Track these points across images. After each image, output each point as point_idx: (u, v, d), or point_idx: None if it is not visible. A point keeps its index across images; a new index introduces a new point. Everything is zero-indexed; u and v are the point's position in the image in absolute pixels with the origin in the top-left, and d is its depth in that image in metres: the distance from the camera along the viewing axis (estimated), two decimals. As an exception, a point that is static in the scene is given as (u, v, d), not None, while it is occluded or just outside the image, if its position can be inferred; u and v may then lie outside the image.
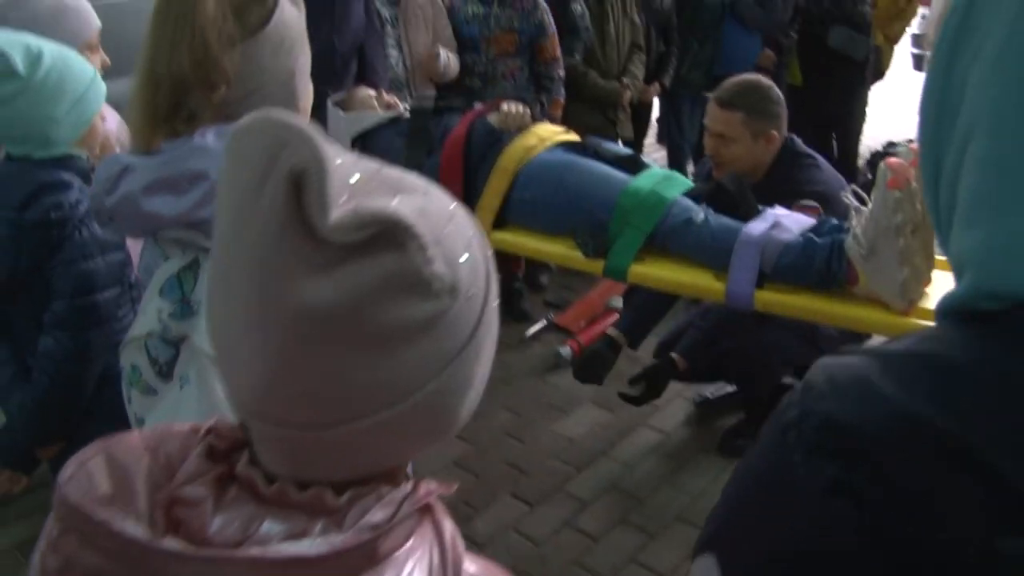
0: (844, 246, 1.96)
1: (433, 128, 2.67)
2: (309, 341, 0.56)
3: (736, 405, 3.17)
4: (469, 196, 2.48)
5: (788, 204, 2.38)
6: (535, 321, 3.88)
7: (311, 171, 0.54)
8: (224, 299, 0.60)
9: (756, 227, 2.11)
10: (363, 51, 3.06)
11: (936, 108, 0.54)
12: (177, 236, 1.26)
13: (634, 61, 4.25)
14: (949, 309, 0.51)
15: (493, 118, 2.58)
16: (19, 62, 1.59)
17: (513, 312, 3.90)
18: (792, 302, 2.04)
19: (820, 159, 2.74)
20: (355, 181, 0.57)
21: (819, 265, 2.00)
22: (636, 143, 4.71)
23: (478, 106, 2.72)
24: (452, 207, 0.64)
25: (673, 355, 2.88)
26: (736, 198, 2.26)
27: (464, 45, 3.59)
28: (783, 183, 2.53)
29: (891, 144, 5.60)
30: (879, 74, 5.53)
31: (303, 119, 0.57)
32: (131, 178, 1.21)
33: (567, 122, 3.86)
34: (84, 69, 1.70)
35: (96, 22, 2.12)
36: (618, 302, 3.88)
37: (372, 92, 2.87)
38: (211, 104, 1.24)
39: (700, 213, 2.18)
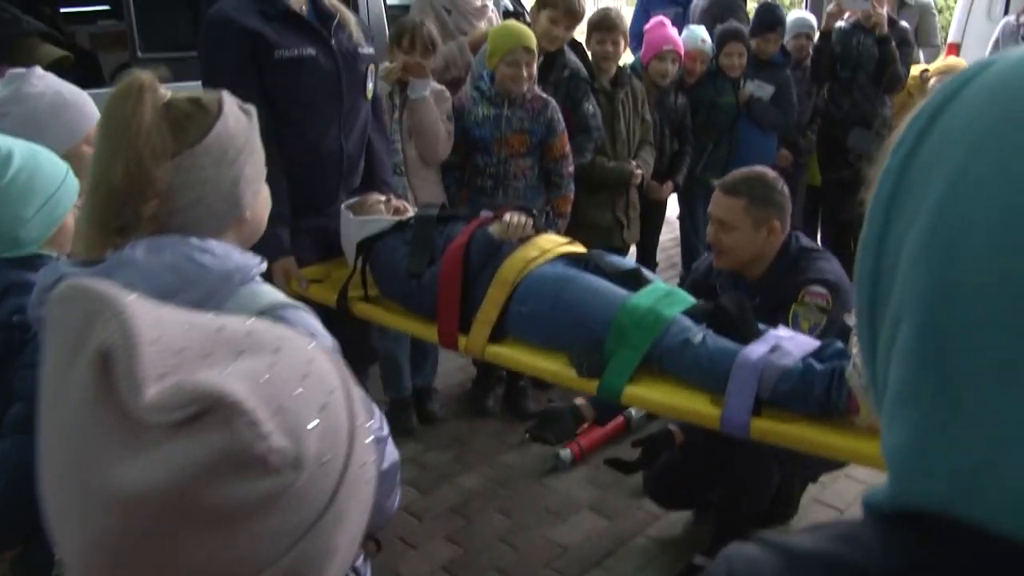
0: (845, 375, 1.91)
1: (436, 237, 2.70)
2: (133, 530, 0.53)
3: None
4: (467, 307, 2.50)
5: (793, 296, 2.34)
6: (538, 420, 3.82)
7: (118, 349, 0.52)
8: (47, 474, 0.58)
9: (755, 350, 2.07)
10: (370, 144, 3.11)
11: (870, 278, 0.51)
12: None
13: (645, 149, 4.27)
14: (872, 504, 0.48)
15: (494, 228, 2.60)
16: None
17: (516, 411, 3.85)
18: (789, 432, 1.99)
19: (828, 252, 2.72)
20: (185, 348, 0.55)
21: (819, 393, 1.95)
22: (649, 243, 4.71)
23: (482, 214, 2.75)
24: (308, 362, 0.61)
25: (671, 427, 2.81)
26: (736, 319, 2.23)
27: (475, 147, 3.64)
28: (787, 276, 2.50)
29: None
30: None
31: (115, 291, 0.55)
32: None
33: (576, 218, 3.89)
34: (55, 169, 1.73)
35: (96, 114, 2.17)
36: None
37: (382, 198, 2.93)
38: (143, 216, 1.26)
39: (699, 334, 2.16)
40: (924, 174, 0.48)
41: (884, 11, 4.74)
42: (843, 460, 2.21)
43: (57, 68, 2.60)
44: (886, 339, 0.49)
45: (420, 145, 3.49)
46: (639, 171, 4.16)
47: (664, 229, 5.08)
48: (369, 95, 2.99)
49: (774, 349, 2.05)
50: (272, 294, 1.32)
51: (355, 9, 4.54)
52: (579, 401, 2.77)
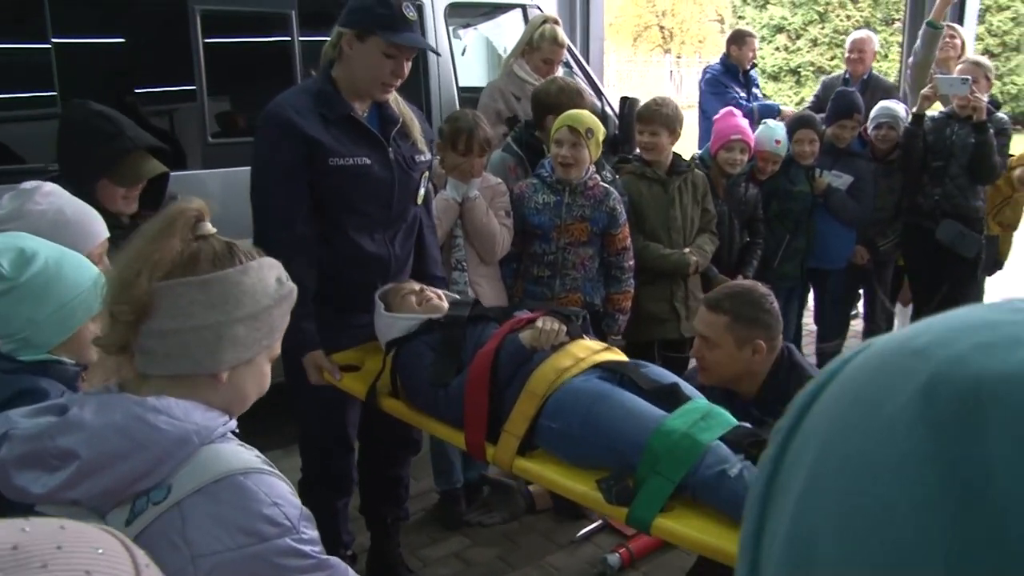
0: None
1: (465, 341, 2.62)
2: None
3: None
4: (495, 418, 2.40)
5: None
6: (590, 520, 3.67)
7: None
8: None
9: None
10: (421, 239, 3.06)
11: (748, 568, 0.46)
12: (55, 514, 1.21)
13: (703, 236, 4.14)
14: None
15: (525, 336, 2.50)
16: (6, 263, 1.66)
17: (567, 510, 3.71)
18: None
19: (817, 372, 2.53)
20: None
21: None
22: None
23: (516, 315, 2.66)
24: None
25: None
26: None
27: (533, 234, 3.59)
28: (781, 400, 2.34)
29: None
30: (997, 264, 5.24)
31: None
32: (8, 446, 1.19)
33: (632, 307, 3.76)
34: (79, 277, 1.74)
35: (102, 233, 2.19)
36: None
37: (416, 287, 2.86)
38: (116, 317, 1.24)
39: (736, 465, 2.01)
40: (791, 470, 0.44)
41: (985, 97, 4.53)
42: None
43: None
44: None
45: (476, 244, 3.46)
46: (695, 259, 4.02)
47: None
48: (420, 200, 2.92)
49: None
50: (236, 457, 1.26)
51: (427, 92, 4.60)
52: (535, 487, 2.65)
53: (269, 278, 1.35)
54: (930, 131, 4.66)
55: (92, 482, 1.17)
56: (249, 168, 2.69)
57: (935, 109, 4.80)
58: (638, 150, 4.10)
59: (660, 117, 3.95)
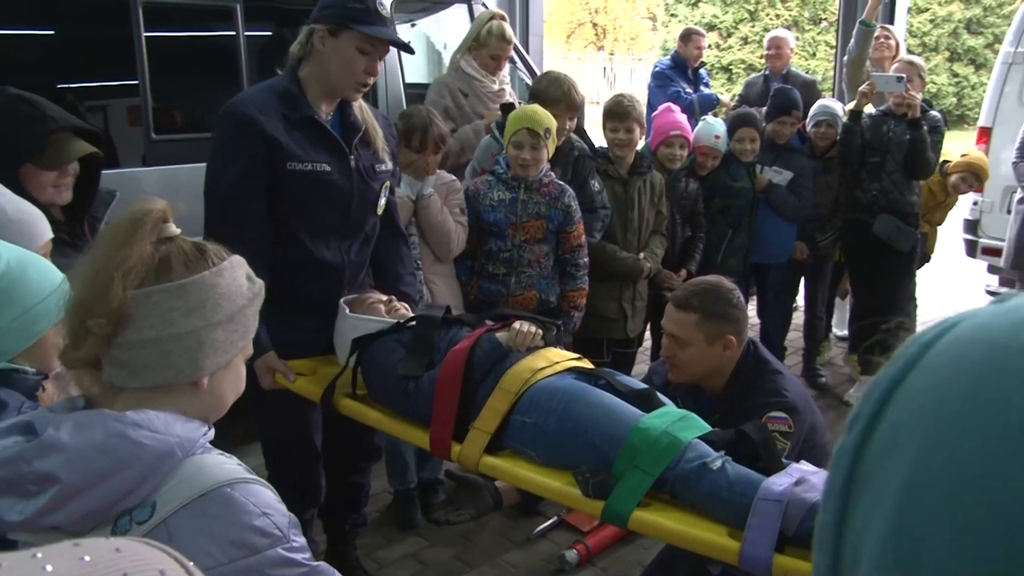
0: None
1: (438, 340, 2.59)
2: None
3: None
4: (464, 415, 2.37)
5: (756, 418, 2.25)
6: (546, 518, 3.68)
7: None
8: None
9: (779, 482, 1.93)
10: (390, 251, 3.00)
11: None
12: (31, 540, 1.15)
13: (655, 239, 4.20)
14: None
15: (502, 336, 2.49)
16: None
17: (525, 507, 3.71)
18: None
19: (782, 366, 2.63)
20: None
21: None
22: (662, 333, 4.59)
23: (488, 323, 2.64)
24: None
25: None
26: (759, 448, 2.10)
27: (488, 231, 3.57)
28: (747, 395, 2.40)
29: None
30: (925, 258, 5.42)
31: None
32: None
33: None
34: (44, 282, 1.66)
35: (45, 233, 2.07)
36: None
37: (383, 298, 2.81)
38: (91, 331, 1.18)
39: (717, 460, 2.02)
40: (881, 461, 0.42)
41: (918, 96, 4.66)
42: None
43: (89, 160, 2.56)
44: None
45: (431, 242, 3.43)
46: (649, 265, 4.09)
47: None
48: (380, 211, 2.84)
49: (799, 482, 1.92)
50: (219, 468, 1.22)
51: (374, 88, 4.53)
52: (502, 484, 2.64)
53: (240, 277, 1.32)
54: (867, 128, 4.78)
55: (74, 506, 1.12)
56: (193, 165, 2.60)
57: (870, 108, 4.92)
58: (606, 146, 4.11)
59: (634, 113, 3.98)
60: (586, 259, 3.71)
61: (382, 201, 2.83)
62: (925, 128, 4.63)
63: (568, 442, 2.17)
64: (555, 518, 3.66)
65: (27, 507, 1.11)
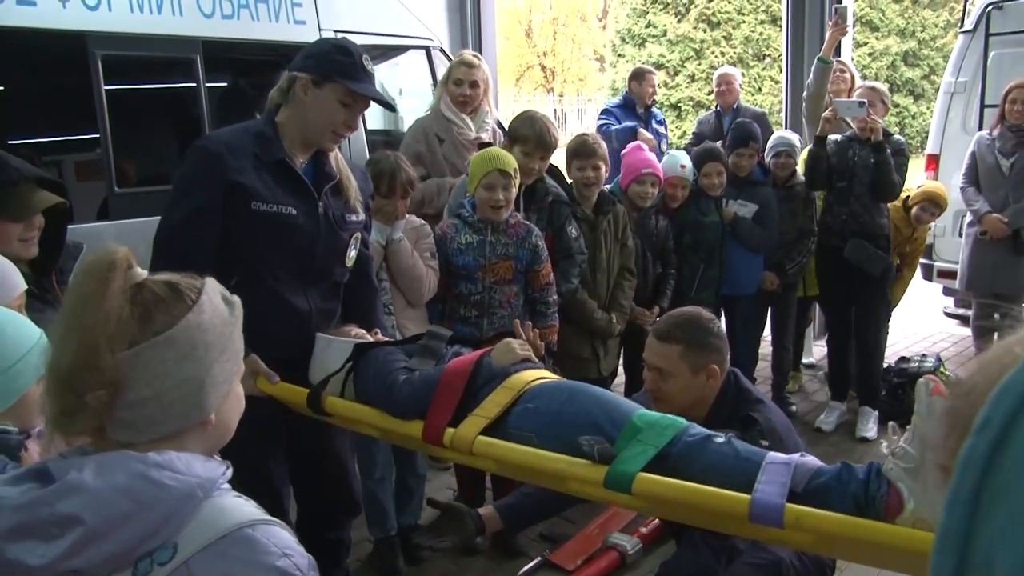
0: (883, 470, 1.78)
1: (444, 351, 2.64)
2: None
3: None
4: (463, 407, 2.36)
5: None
6: (529, 558, 3.63)
7: None
8: None
9: (783, 455, 1.98)
10: (363, 300, 2.95)
11: None
12: None
13: (623, 288, 4.22)
14: None
15: (513, 342, 2.57)
16: None
17: (505, 548, 3.66)
18: (827, 519, 1.79)
19: (762, 395, 2.65)
20: None
21: (855, 488, 1.82)
22: (637, 369, 4.60)
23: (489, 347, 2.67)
24: None
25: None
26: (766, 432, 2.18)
27: (458, 275, 3.56)
28: (729, 421, 2.41)
29: (903, 360, 5.47)
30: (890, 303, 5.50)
31: None
32: None
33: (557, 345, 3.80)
34: (22, 339, 1.62)
35: (19, 285, 2.01)
36: (619, 538, 3.65)
37: (365, 331, 2.79)
38: (89, 405, 1.14)
39: (721, 436, 2.06)
40: (1015, 474, 0.40)
41: (880, 120, 4.77)
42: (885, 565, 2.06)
43: (55, 213, 2.49)
44: None
45: (402, 286, 3.41)
46: (619, 327, 4.16)
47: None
48: (350, 263, 2.78)
49: (803, 456, 1.99)
50: (239, 509, 1.20)
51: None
52: (484, 510, 2.63)
53: (219, 303, 1.29)
54: (833, 153, 4.87)
55: (96, 548, 1.09)
56: (157, 218, 2.54)
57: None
58: (570, 183, 4.13)
59: (600, 151, 4.02)
60: (556, 296, 3.72)
61: (352, 253, 2.77)
62: (888, 151, 4.73)
63: (570, 425, 2.17)
64: (539, 558, 3.62)
65: (49, 551, 1.08)
